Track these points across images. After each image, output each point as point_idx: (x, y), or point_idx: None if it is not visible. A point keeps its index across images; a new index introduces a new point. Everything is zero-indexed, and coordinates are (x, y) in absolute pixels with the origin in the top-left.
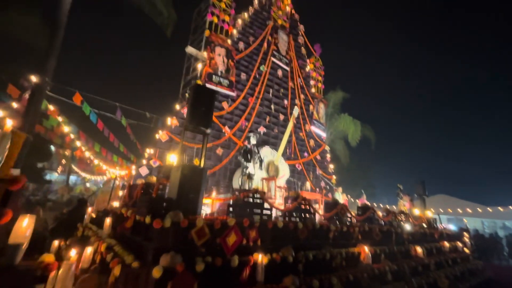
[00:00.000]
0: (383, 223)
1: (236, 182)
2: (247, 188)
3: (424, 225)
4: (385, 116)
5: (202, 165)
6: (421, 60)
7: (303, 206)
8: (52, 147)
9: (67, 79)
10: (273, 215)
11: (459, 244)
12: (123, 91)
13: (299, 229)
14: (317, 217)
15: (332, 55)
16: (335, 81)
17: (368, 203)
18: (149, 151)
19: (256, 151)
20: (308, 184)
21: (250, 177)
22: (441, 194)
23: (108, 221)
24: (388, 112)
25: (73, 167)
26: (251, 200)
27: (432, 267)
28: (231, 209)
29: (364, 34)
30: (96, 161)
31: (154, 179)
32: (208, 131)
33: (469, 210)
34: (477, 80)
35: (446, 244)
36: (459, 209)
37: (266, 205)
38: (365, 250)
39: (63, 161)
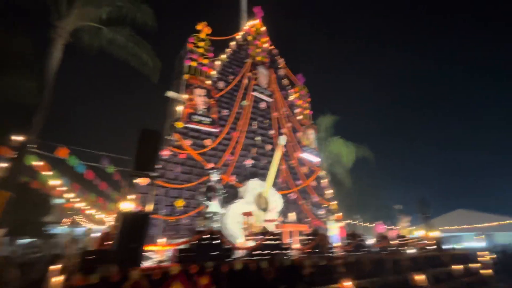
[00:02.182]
0: (377, 250)
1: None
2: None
3: (431, 247)
4: (393, 134)
5: (149, 210)
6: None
7: (270, 241)
8: (56, 200)
9: (55, 133)
10: (239, 255)
11: (476, 265)
12: (112, 139)
13: (263, 269)
14: (295, 252)
15: (320, 81)
16: (324, 105)
17: (385, 228)
18: (129, 196)
19: (220, 187)
20: (293, 215)
21: (206, 217)
22: (461, 209)
23: (53, 280)
24: (395, 129)
25: (78, 218)
26: (208, 242)
27: None
28: (183, 254)
29: (346, 55)
30: (92, 211)
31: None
32: (154, 174)
33: (492, 224)
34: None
35: (458, 267)
36: (483, 224)
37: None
38: (347, 285)
39: (69, 213)
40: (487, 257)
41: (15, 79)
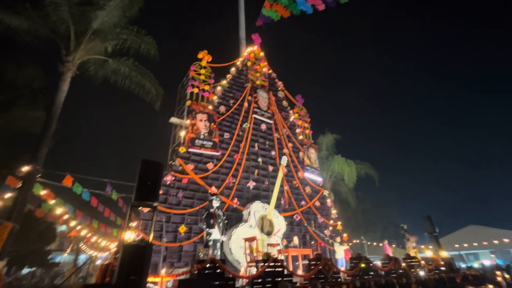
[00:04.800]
0: (383, 273)
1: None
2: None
3: (441, 269)
4: (398, 151)
5: (150, 240)
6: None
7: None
8: (60, 228)
9: (59, 161)
10: (242, 283)
11: (491, 287)
12: (116, 165)
13: None
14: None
15: (320, 100)
16: (325, 125)
17: (391, 249)
18: (132, 224)
19: (221, 214)
20: (296, 239)
21: (207, 245)
22: (472, 225)
23: None
24: (400, 146)
25: (82, 245)
26: (208, 271)
27: None
28: (183, 285)
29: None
30: (96, 238)
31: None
32: (155, 204)
33: (505, 240)
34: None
35: None
36: (497, 240)
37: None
38: None
39: (73, 240)
40: (500, 277)
41: (23, 110)
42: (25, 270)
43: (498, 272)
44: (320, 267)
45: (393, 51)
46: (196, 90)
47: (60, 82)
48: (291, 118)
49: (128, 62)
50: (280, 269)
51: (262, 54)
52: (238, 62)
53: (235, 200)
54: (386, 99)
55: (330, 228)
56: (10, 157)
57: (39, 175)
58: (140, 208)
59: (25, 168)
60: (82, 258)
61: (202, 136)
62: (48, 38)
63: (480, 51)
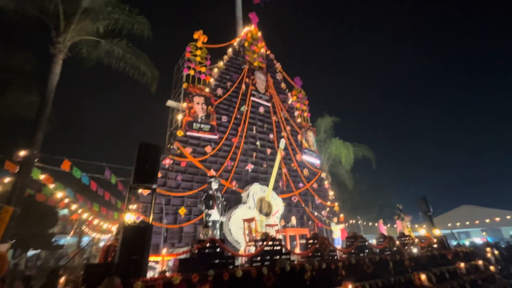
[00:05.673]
0: (377, 251)
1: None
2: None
3: (434, 246)
4: (393, 133)
5: (150, 221)
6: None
7: (273, 247)
8: (62, 212)
9: (57, 145)
10: (241, 262)
11: (480, 262)
12: (116, 150)
13: (264, 276)
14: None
15: (318, 83)
16: (323, 107)
17: (385, 228)
18: (132, 206)
19: (220, 195)
20: (293, 220)
21: (207, 225)
22: (465, 205)
23: None
24: (395, 129)
25: (84, 228)
26: (208, 250)
27: None
28: (184, 263)
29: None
30: (97, 221)
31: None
32: (154, 186)
33: (496, 219)
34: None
35: (463, 265)
36: (488, 219)
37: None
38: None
39: (75, 223)
40: (489, 253)
41: (17, 95)
42: (31, 253)
43: (487, 249)
44: (317, 245)
45: (394, 36)
46: (192, 72)
47: (52, 64)
48: (290, 101)
49: (122, 43)
50: (278, 248)
51: (259, 34)
52: (235, 43)
53: (234, 183)
54: (384, 84)
55: (327, 209)
56: (7, 142)
57: (37, 159)
58: (140, 191)
59: (22, 153)
60: (85, 240)
61: (199, 119)
62: (37, 19)
63: (478, 37)
